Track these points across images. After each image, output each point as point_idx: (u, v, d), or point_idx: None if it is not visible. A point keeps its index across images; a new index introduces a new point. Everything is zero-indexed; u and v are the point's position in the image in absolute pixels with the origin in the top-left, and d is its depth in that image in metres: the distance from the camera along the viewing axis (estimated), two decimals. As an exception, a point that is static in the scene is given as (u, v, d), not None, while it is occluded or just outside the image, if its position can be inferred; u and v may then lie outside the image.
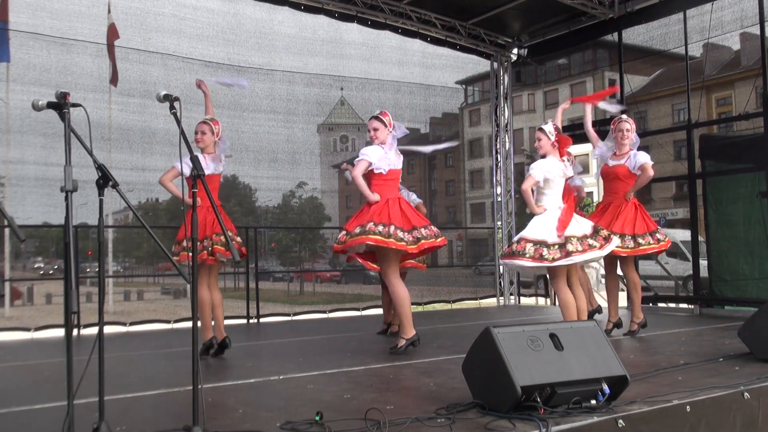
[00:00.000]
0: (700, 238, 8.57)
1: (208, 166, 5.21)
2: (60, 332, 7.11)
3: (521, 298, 10.50)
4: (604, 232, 5.26)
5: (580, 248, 5.05)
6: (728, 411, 3.48)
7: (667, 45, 8.88)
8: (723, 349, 5.07)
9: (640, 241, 5.94)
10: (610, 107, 7.14)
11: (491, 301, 10.66)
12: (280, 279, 19.00)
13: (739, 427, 3.49)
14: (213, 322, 5.25)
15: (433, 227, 5.30)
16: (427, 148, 6.88)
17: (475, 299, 10.73)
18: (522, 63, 10.83)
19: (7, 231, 8.34)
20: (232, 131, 9.47)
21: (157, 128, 8.74)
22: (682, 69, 8.76)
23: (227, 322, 8.19)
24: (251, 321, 8.24)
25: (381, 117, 5.36)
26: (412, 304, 10.05)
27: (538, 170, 5.20)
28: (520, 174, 8.92)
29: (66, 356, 2.60)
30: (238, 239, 5.46)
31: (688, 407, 3.29)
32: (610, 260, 6.18)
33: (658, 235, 6.02)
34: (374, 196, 5.18)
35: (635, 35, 9.17)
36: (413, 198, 6.73)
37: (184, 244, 5.15)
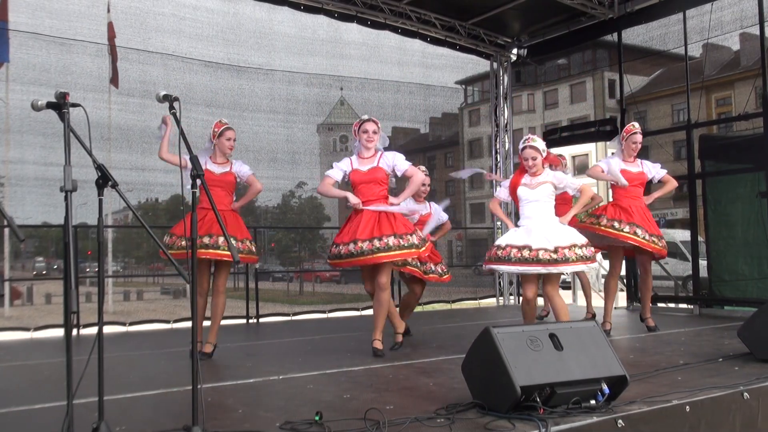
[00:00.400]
0: (700, 239, 8.57)
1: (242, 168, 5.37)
2: (59, 332, 7.11)
3: (521, 298, 10.48)
4: (582, 251, 5.16)
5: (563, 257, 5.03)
6: (728, 411, 3.49)
7: (667, 45, 8.88)
8: (723, 349, 5.07)
9: (656, 239, 6.14)
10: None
11: (491, 301, 10.66)
12: (279, 279, 19.01)
13: (739, 427, 3.49)
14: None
15: (388, 239, 5.03)
16: (464, 173, 6.85)
17: (475, 299, 10.73)
18: (522, 63, 10.83)
19: (6, 231, 8.34)
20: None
21: (157, 128, 8.74)
22: (681, 69, 8.76)
23: (227, 321, 8.24)
24: (251, 321, 8.24)
25: (377, 123, 5.31)
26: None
27: (503, 190, 5.37)
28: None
29: (66, 356, 2.60)
30: (253, 248, 5.37)
31: (687, 407, 3.30)
32: (618, 257, 6.41)
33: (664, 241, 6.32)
34: (354, 199, 5.18)
35: (635, 35, 9.16)
36: (440, 214, 6.48)
37: (183, 243, 5.04)
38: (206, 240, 4.99)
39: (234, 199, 5.42)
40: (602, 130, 9.80)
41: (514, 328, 3.31)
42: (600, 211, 6.26)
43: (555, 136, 10.25)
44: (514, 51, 10.63)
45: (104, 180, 2.77)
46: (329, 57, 10.11)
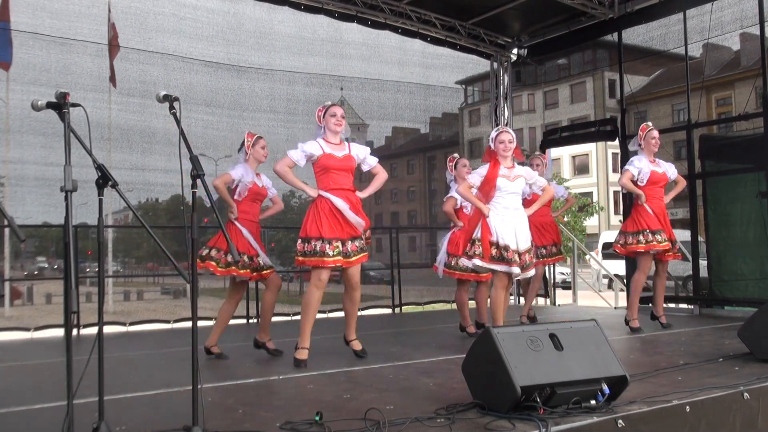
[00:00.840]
0: (700, 239, 8.57)
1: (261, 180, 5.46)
2: (60, 332, 7.11)
3: (521, 298, 10.48)
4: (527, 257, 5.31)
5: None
6: (728, 411, 3.49)
7: (667, 45, 8.88)
8: (723, 349, 5.07)
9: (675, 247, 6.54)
10: None
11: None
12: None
13: (739, 428, 3.49)
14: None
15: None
16: None
17: (473, 299, 10.69)
18: (522, 63, 10.83)
19: (7, 231, 8.34)
20: (232, 131, 9.46)
21: (157, 128, 8.74)
22: (681, 69, 8.76)
23: (228, 322, 8.23)
24: (251, 321, 8.23)
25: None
26: (413, 304, 10.16)
27: (476, 177, 5.35)
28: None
29: (66, 356, 2.60)
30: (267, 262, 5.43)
31: (687, 407, 3.30)
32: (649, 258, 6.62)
33: None
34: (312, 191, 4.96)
35: (635, 35, 9.16)
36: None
37: (212, 253, 5.17)
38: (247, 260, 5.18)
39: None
40: (602, 130, 9.80)
41: (514, 328, 3.31)
42: (634, 226, 6.43)
43: (555, 136, 10.25)
44: (514, 51, 10.63)
45: (104, 180, 2.77)
46: (329, 57, 10.11)
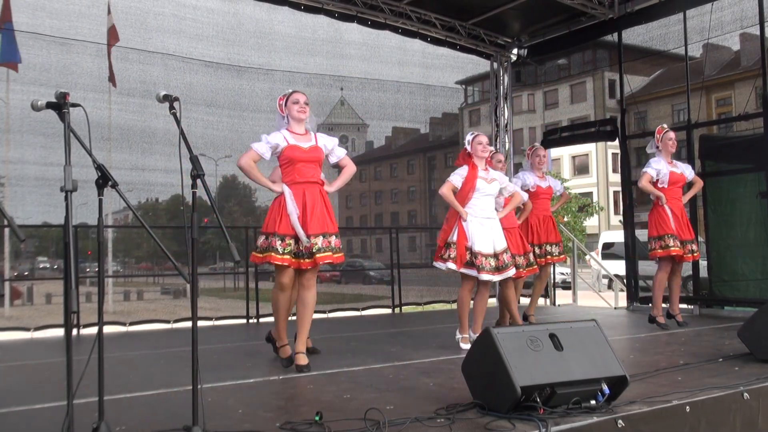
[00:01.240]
0: (700, 239, 8.56)
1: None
2: (60, 332, 7.11)
3: (521, 298, 10.48)
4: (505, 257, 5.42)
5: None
6: (728, 411, 3.49)
7: (667, 45, 8.88)
8: (723, 349, 5.07)
9: (693, 247, 6.65)
10: None
11: (491, 302, 10.63)
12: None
13: (739, 428, 3.49)
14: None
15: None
16: None
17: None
18: (522, 63, 10.82)
19: (7, 231, 8.34)
20: (232, 131, 9.48)
21: (157, 128, 8.75)
22: (681, 69, 8.76)
23: (228, 322, 8.25)
24: (251, 321, 8.23)
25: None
26: (413, 304, 10.15)
27: (457, 178, 5.43)
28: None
29: (66, 356, 2.60)
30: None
31: (687, 407, 3.30)
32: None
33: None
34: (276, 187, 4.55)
35: (635, 35, 9.16)
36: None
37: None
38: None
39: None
40: (602, 130, 9.80)
41: (514, 329, 3.31)
42: (659, 230, 6.48)
43: (555, 136, 10.25)
44: (514, 51, 10.62)
45: (104, 180, 2.77)
46: (329, 57, 10.11)
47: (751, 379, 3.80)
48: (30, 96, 7.05)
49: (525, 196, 6.52)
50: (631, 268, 9.07)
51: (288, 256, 4.43)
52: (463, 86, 13.46)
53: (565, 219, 27.74)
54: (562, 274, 16.68)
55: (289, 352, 4.68)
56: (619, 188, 10.24)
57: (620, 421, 3.03)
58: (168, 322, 8.07)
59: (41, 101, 2.77)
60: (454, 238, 5.32)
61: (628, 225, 9.21)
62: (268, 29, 9.53)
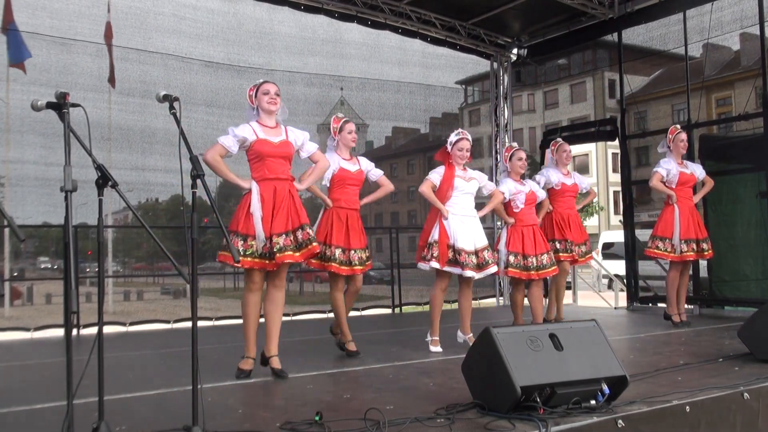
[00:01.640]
0: (700, 239, 8.56)
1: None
2: (60, 332, 7.11)
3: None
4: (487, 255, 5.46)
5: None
6: (728, 411, 3.49)
7: (667, 45, 8.88)
8: (723, 349, 5.07)
9: (705, 246, 6.80)
10: None
11: (491, 302, 10.66)
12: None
13: (739, 428, 3.49)
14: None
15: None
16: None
17: (475, 299, 10.69)
18: (522, 63, 10.83)
19: (7, 231, 8.34)
20: (232, 131, 9.44)
21: (157, 128, 8.74)
22: (681, 69, 8.76)
23: (228, 322, 8.24)
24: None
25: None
26: (413, 304, 10.15)
27: (436, 175, 5.47)
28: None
29: (66, 356, 2.60)
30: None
31: (687, 407, 3.30)
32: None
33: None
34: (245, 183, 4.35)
35: (635, 35, 9.17)
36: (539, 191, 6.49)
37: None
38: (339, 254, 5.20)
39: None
40: (602, 130, 9.81)
41: (514, 328, 3.31)
42: (662, 231, 6.60)
43: (555, 136, 10.23)
44: (514, 51, 10.63)
45: (104, 180, 2.77)
46: (329, 57, 10.11)
47: (751, 379, 3.80)
48: (30, 96, 7.04)
49: (542, 194, 6.51)
50: (631, 268, 9.07)
51: (249, 258, 4.19)
52: (463, 86, 13.45)
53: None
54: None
55: (250, 365, 4.39)
56: (619, 188, 10.23)
57: (620, 421, 3.03)
58: (168, 322, 8.07)
59: (41, 101, 2.77)
60: (435, 237, 5.35)
61: (628, 225, 9.22)
62: (268, 29, 9.53)
